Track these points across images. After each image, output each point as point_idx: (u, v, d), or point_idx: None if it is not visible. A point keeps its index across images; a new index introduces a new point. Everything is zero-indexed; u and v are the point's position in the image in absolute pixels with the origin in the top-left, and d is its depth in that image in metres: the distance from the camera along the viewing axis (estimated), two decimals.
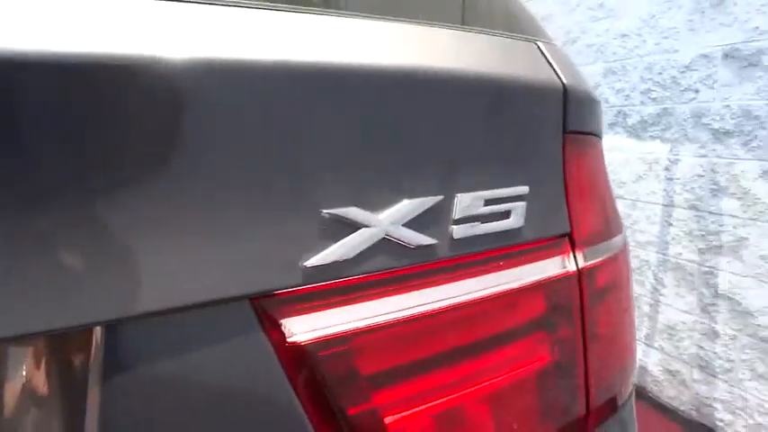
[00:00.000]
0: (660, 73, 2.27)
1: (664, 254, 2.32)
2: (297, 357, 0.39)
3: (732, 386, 2.06)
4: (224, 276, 0.35)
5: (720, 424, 2.11)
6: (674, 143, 2.22)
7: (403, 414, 0.43)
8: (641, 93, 2.37)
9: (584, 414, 0.55)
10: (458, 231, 0.46)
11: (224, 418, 0.37)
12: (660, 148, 2.29)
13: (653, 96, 2.31)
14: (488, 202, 0.48)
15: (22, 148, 0.29)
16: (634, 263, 2.46)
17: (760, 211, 1.90)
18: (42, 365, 0.34)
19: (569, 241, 0.55)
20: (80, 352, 0.33)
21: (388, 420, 0.43)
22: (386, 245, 0.42)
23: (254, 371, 0.37)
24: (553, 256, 0.54)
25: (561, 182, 0.54)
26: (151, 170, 0.33)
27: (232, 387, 0.37)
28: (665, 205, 2.30)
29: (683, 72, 2.16)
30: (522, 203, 0.50)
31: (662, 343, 2.36)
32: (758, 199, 1.90)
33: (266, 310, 0.38)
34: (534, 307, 0.52)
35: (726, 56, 1.99)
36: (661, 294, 2.35)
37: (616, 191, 2.52)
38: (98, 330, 0.33)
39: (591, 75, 2.63)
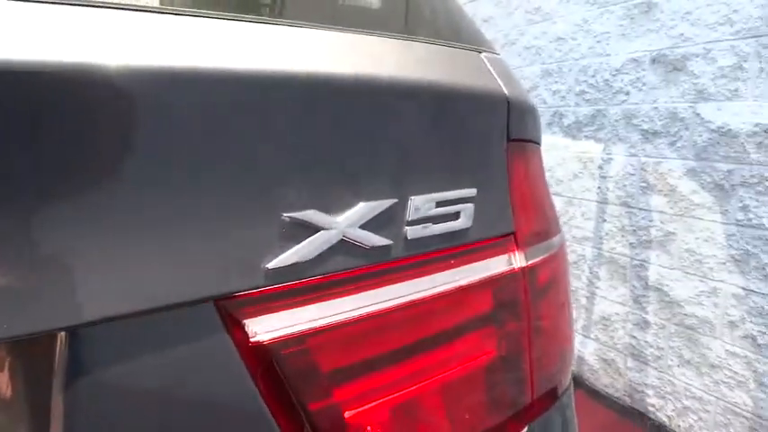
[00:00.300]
0: (593, 75, 2.37)
1: (599, 248, 2.43)
2: (259, 356, 0.40)
3: (662, 372, 2.17)
4: (189, 279, 0.36)
5: (651, 409, 2.23)
6: (607, 143, 2.32)
7: (361, 408, 0.45)
8: (576, 94, 2.47)
9: (529, 402, 0.59)
10: (411, 232, 0.48)
11: (190, 418, 0.37)
12: (594, 148, 2.39)
13: (587, 98, 2.41)
14: (439, 203, 0.50)
15: None
16: (571, 257, 2.56)
17: (685, 207, 2.02)
18: (6, 372, 0.34)
19: (513, 240, 0.58)
20: (44, 357, 0.33)
21: (347, 415, 0.44)
22: (344, 246, 0.44)
23: (219, 371, 0.38)
24: (499, 255, 0.57)
25: (506, 185, 0.57)
26: (113, 176, 0.33)
27: (197, 387, 0.37)
28: (600, 202, 2.40)
29: (614, 75, 2.27)
30: (470, 205, 0.52)
31: (597, 333, 2.47)
32: (684, 196, 2.02)
33: (230, 311, 0.39)
34: (483, 303, 0.55)
35: (653, 60, 2.10)
36: (596, 287, 2.46)
37: (554, 188, 2.62)
38: (61, 336, 0.33)
39: (529, 76, 2.72)
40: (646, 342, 2.23)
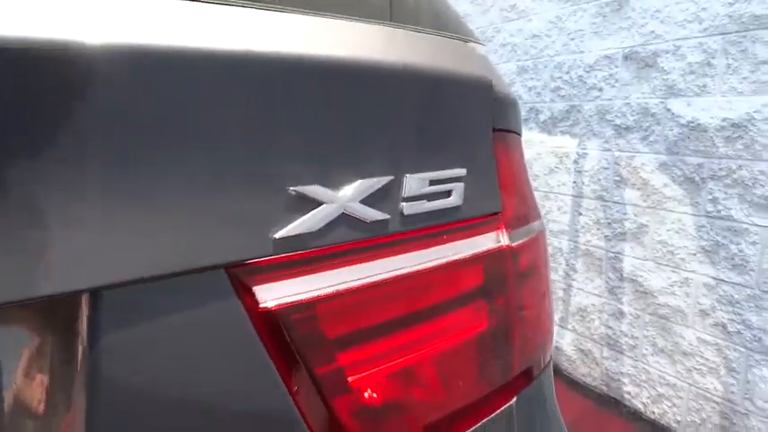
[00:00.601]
0: (568, 72, 2.41)
1: (575, 241, 2.48)
2: (268, 321, 0.42)
3: (636, 361, 2.23)
4: (202, 246, 0.38)
5: (627, 396, 2.29)
6: (582, 138, 2.37)
7: (364, 373, 0.47)
8: (551, 90, 2.51)
9: (516, 374, 0.62)
10: (407, 208, 0.50)
11: (204, 379, 0.39)
12: (569, 143, 2.44)
13: (562, 94, 2.46)
14: (433, 182, 0.53)
15: None
16: (549, 250, 2.61)
17: (657, 200, 2.07)
18: (29, 333, 0.35)
19: (501, 219, 0.61)
20: (69, 319, 0.35)
21: (351, 379, 0.46)
22: (345, 219, 0.46)
23: (230, 335, 0.40)
24: (489, 232, 0.60)
25: (493, 166, 0.60)
26: (130, 147, 0.35)
27: (210, 350, 0.39)
28: (575, 196, 2.45)
29: (588, 72, 2.32)
30: (461, 184, 0.55)
31: (575, 324, 2.52)
32: (656, 189, 2.07)
33: (240, 278, 0.41)
34: (474, 277, 0.58)
35: (626, 57, 2.15)
36: (573, 279, 2.51)
37: (531, 183, 2.66)
38: (85, 297, 0.34)
39: (506, 72, 2.75)
40: (621, 332, 2.28)
